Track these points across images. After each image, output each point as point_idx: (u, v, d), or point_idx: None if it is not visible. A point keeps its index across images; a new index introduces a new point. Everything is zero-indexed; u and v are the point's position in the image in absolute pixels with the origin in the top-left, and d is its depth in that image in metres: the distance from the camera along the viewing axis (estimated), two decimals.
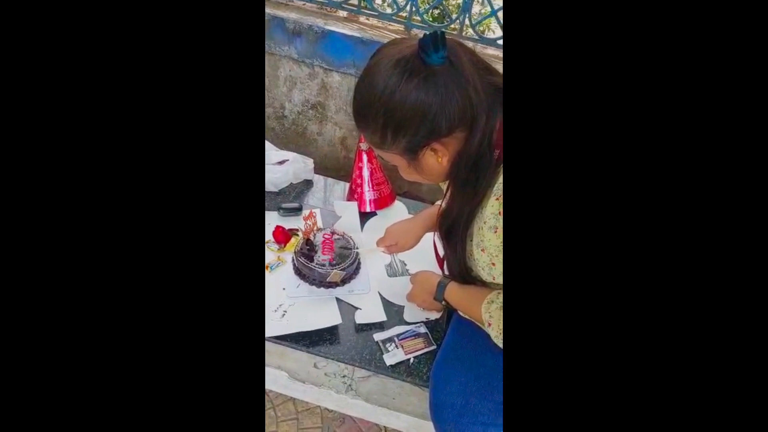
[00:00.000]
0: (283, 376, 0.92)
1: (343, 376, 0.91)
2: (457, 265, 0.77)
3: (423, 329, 0.93)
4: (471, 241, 0.71)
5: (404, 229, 0.99)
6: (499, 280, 0.70)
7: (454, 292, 0.84)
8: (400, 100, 0.58)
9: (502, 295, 0.74)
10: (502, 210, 0.63)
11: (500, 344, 0.73)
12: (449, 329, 0.86)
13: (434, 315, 0.95)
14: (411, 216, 1.05)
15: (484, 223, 0.66)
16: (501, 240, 0.65)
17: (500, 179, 0.63)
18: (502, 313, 0.71)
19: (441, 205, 0.78)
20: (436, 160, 0.64)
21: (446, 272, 0.86)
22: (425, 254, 1.08)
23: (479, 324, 0.79)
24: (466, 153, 0.63)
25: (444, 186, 0.94)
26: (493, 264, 0.69)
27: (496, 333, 0.72)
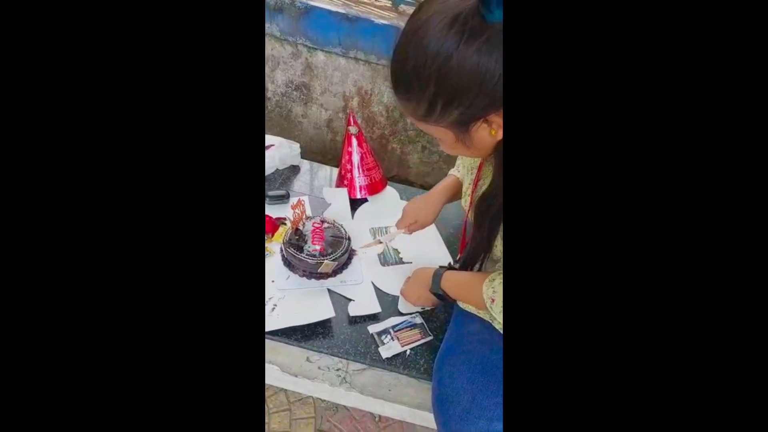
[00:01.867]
0: (275, 369, 0.89)
1: (338, 369, 0.89)
2: (486, 245, 0.71)
3: (419, 320, 0.90)
4: None
5: (422, 206, 0.94)
6: None
7: (451, 279, 0.80)
8: (457, 66, 0.50)
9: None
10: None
11: (501, 320, 0.70)
12: (452, 321, 0.84)
13: (430, 306, 0.93)
14: (411, 199, 1.01)
15: None
16: None
17: None
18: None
19: (475, 187, 0.71)
20: (490, 132, 0.56)
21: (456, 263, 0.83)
22: (418, 243, 1.06)
23: (479, 309, 0.77)
24: None
25: (463, 163, 0.88)
26: None
27: (499, 309, 0.69)
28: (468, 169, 0.83)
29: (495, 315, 0.70)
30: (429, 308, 0.92)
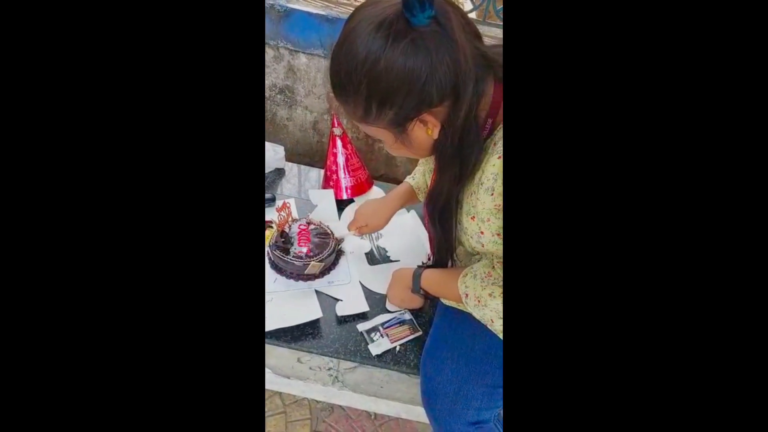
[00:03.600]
0: (267, 372, 0.90)
1: (329, 369, 0.89)
2: (447, 244, 0.73)
3: (408, 315, 0.91)
4: (460, 209, 0.67)
5: (374, 210, 0.96)
6: (489, 247, 0.67)
7: (430, 278, 0.82)
8: (385, 69, 0.52)
9: (477, 267, 0.72)
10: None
11: (477, 314, 0.71)
12: (436, 317, 0.85)
13: (416, 306, 0.93)
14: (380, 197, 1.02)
15: (481, 184, 0.61)
16: (496, 203, 0.61)
17: (500, 139, 0.59)
18: (477, 282, 0.70)
19: (429, 186, 0.73)
20: (426, 132, 0.59)
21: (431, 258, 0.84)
22: (407, 239, 1.07)
23: (458, 303, 0.78)
24: (451, 126, 0.58)
25: (423, 162, 0.90)
26: (482, 232, 0.65)
27: (474, 302, 0.70)
28: (428, 169, 0.84)
29: (470, 310, 0.72)
30: (417, 308, 0.93)
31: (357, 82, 0.54)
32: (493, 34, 1.17)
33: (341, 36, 0.56)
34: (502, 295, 0.66)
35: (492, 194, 0.60)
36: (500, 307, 0.67)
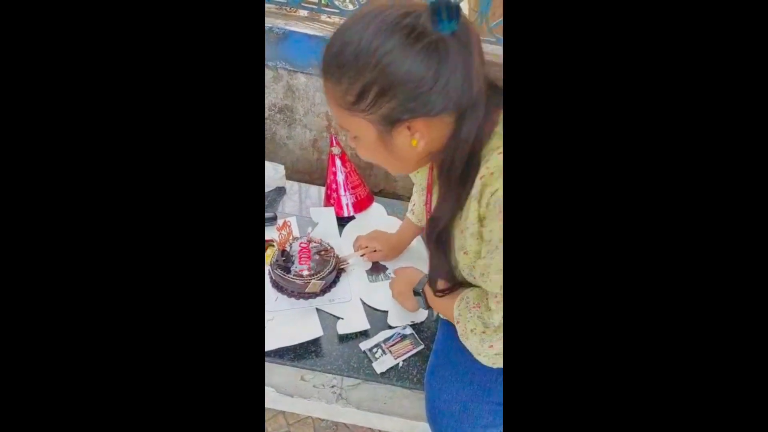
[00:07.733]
0: (271, 391, 0.90)
1: (332, 386, 0.89)
2: (445, 268, 0.71)
3: (408, 330, 0.91)
4: (453, 244, 0.67)
5: (392, 243, 1.02)
6: (480, 281, 0.66)
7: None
8: (398, 59, 0.50)
9: (472, 292, 0.71)
10: (481, 213, 0.58)
11: (464, 343, 0.70)
12: (438, 334, 0.85)
13: (420, 317, 0.93)
14: (392, 228, 1.06)
15: (466, 228, 0.61)
16: (481, 246, 0.61)
17: (477, 179, 0.57)
18: (467, 312, 0.69)
19: (429, 207, 0.73)
20: (410, 142, 0.56)
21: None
22: (407, 257, 1.07)
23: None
24: (462, 141, 0.55)
25: (416, 181, 0.90)
26: (473, 266, 0.65)
27: (461, 331, 0.70)
28: (420, 188, 0.84)
29: (460, 335, 0.71)
30: (420, 321, 0.93)
31: (364, 63, 0.51)
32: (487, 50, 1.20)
33: (355, 16, 0.54)
34: (482, 333, 0.66)
35: (477, 238, 0.60)
36: (477, 346, 0.67)
